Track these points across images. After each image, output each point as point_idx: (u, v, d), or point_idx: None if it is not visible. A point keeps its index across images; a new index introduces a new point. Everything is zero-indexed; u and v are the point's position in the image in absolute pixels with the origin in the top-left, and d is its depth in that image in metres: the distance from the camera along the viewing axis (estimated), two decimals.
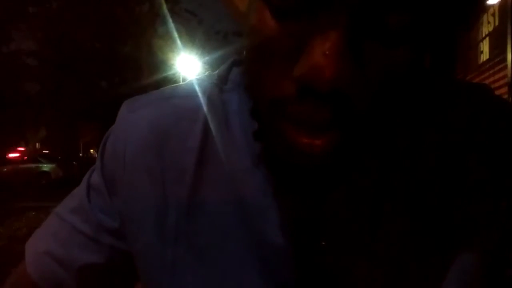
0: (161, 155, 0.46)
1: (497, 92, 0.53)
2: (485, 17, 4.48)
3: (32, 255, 0.51)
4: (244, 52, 0.39)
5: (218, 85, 0.49)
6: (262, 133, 0.42)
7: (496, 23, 4.42)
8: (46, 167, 17.28)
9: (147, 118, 0.48)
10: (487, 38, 4.73)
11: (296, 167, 0.37)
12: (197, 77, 0.52)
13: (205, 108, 0.47)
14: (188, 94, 0.49)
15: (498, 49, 4.59)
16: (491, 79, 4.68)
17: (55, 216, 0.52)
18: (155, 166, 0.46)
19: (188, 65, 17.01)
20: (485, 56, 4.97)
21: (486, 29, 4.65)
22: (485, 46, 4.93)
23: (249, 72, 0.39)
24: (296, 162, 0.36)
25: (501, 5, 4.24)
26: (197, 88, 0.50)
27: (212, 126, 0.47)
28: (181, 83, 0.55)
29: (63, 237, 0.50)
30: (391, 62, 0.33)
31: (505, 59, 4.38)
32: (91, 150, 26.85)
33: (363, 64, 0.32)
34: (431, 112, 0.44)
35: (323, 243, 0.42)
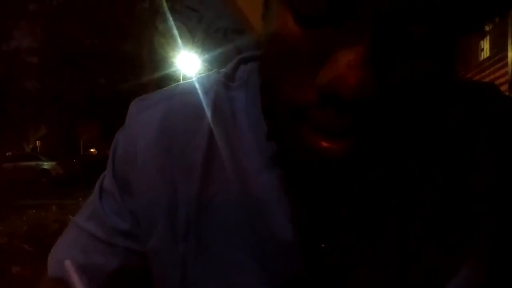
0: (170, 153, 0.47)
1: None
2: None
3: (55, 264, 0.52)
4: (257, 51, 0.39)
5: (225, 83, 0.49)
6: (275, 133, 0.43)
7: (497, 21, 4.41)
8: (46, 165, 17.29)
9: (156, 117, 0.49)
10: (488, 36, 4.73)
11: (309, 168, 0.38)
12: (204, 74, 0.53)
13: (211, 105, 0.48)
14: (195, 92, 0.49)
15: (498, 47, 4.59)
16: (492, 77, 4.68)
17: (73, 225, 0.53)
18: (165, 164, 0.47)
19: (188, 63, 17.00)
20: (485, 53, 4.97)
21: (486, 27, 4.63)
22: (485, 44, 4.93)
23: (268, 75, 0.39)
24: (313, 165, 0.37)
25: None
26: (203, 85, 0.50)
27: (218, 123, 0.47)
28: (182, 81, 0.55)
29: (81, 244, 0.51)
30: (413, 72, 0.33)
31: (505, 57, 4.38)
32: (91, 149, 26.87)
33: (386, 74, 0.33)
34: (437, 113, 0.44)
35: (323, 245, 0.43)
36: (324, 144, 0.35)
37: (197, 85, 0.50)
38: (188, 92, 0.50)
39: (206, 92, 0.49)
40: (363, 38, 0.31)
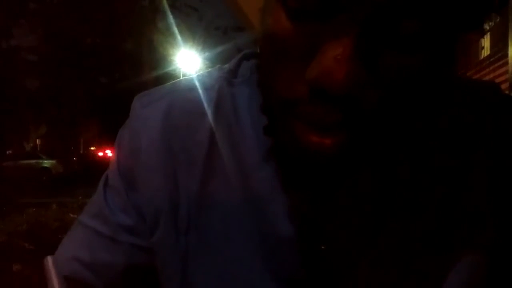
0: (173, 148, 0.47)
1: None
2: None
3: (63, 263, 0.52)
4: (258, 48, 0.40)
5: (228, 79, 0.50)
6: (272, 128, 0.43)
7: (497, 19, 4.41)
8: (46, 163, 17.31)
9: (159, 112, 0.49)
10: (488, 34, 4.72)
11: (304, 164, 0.38)
12: (207, 70, 0.53)
13: (213, 101, 0.48)
14: (198, 87, 0.50)
15: (499, 45, 4.59)
16: (492, 75, 4.68)
17: (78, 224, 0.54)
18: (167, 159, 0.47)
19: (188, 61, 17.00)
20: (486, 52, 4.97)
21: (487, 24, 4.64)
22: (486, 42, 4.93)
23: (262, 69, 0.40)
24: (305, 160, 0.37)
25: None
26: (206, 81, 0.50)
27: (220, 119, 0.47)
28: (185, 77, 0.55)
29: (87, 242, 0.51)
30: (403, 68, 0.33)
31: (506, 55, 4.38)
32: (92, 148, 26.87)
33: (375, 69, 0.33)
34: (437, 112, 0.44)
35: (323, 247, 0.43)
36: (314, 138, 0.35)
37: (200, 81, 0.51)
38: (191, 87, 0.50)
39: (208, 88, 0.49)
40: (351, 32, 0.31)
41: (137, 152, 0.49)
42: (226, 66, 0.52)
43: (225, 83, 0.50)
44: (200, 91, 0.50)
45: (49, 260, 0.44)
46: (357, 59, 0.32)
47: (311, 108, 0.34)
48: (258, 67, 0.44)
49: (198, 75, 0.53)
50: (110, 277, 0.50)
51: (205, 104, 0.48)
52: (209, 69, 0.54)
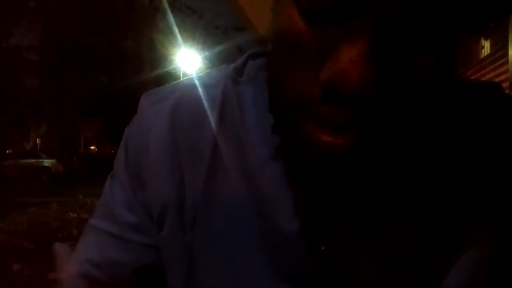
0: (179, 145, 0.48)
1: None
2: None
3: (75, 264, 0.52)
4: (262, 47, 0.40)
5: (233, 77, 0.50)
6: (279, 127, 0.43)
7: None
8: (46, 162, 17.32)
9: (166, 109, 0.49)
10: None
11: (313, 163, 0.38)
12: (214, 69, 0.53)
13: (219, 99, 0.48)
14: (204, 85, 0.50)
15: (499, 44, 4.59)
16: (492, 74, 4.68)
17: (89, 226, 0.54)
18: (174, 156, 0.48)
19: (188, 60, 17.02)
20: (486, 51, 4.97)
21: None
22: (486, 42, 4.92)
23: (273, 69, 0.40)
24: (315, 159, 0.37)
25: None
26: (213, 79, 0.51)
27: (226, 116, 0.47)
28: (182, 78, 0.55)
29: (96, 242, 0.52)
30: (414, 70, 0.33)
31: (506, 55, 4.39)
32: (91, 147, 26.90)
33: (387, 71, 0.33)
34: (439, 112, 0.44)
35: (323, 248, 0.43)
36: (326, 138, 0.35)
37: (206, 79, 0.51)
38: (197, 85, 0.51)
39: (214, 86, 0.50)
40: (365, 34, 0.32)
41: (145, 150, 0.49)
42: (232, 65, 0.52)
43: (231, 81, 0.50)
44: (206, 89, 0.50)
45: (57, 245, 0.44)
46: (371, 61, 0.32)
47: (324, 108, 0.35)
48: (268, 66, 0.44)
49: (204, 74, 0.53)
50: (120, 276, 0.50)
51: (211, 102, 0.49)
52: (215, 68, 0.54)
